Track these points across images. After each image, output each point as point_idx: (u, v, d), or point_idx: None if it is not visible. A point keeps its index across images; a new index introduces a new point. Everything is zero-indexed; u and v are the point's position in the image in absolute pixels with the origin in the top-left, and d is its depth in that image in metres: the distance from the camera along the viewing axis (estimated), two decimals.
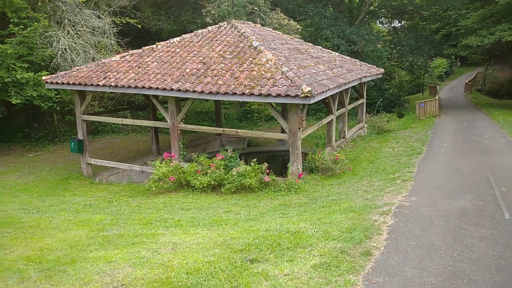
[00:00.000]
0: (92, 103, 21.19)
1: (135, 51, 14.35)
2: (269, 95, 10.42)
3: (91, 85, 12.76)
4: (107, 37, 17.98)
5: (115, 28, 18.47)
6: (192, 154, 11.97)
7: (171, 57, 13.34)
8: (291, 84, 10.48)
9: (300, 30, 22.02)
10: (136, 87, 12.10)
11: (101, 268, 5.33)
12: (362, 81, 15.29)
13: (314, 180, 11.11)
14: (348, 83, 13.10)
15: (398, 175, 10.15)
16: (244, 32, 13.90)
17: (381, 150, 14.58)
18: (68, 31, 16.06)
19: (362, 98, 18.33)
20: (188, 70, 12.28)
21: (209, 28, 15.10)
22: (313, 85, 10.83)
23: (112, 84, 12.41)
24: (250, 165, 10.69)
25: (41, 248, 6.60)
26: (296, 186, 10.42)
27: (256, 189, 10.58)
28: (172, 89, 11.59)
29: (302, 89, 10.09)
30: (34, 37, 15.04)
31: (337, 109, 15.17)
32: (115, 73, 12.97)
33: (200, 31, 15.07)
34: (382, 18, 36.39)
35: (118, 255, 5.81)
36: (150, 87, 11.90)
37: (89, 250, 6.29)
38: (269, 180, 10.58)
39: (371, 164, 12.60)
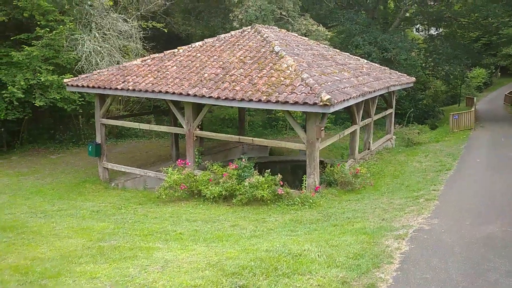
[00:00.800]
0: (118, 107, 21.36)
1: (157, 55, 14.19)
2: (286, 102, 9.92)
3: (110, 88, 12.63)
4: (134, 41, 18.00)
5: (142, 32, 18.48)
6: (206, 162, 11.59)
7: (191, 62, 13.06)
8: (310, 92, 9.93)
9: (329, 36, 21.37)
10: (153, 91, 11.87)
11: (82, 286, 4.97)
12: (390, 90, 14.52)
13: (331, 195, 10.47)
14: (374, 91, 12.40)
15: (423, 193, 9.37)
16: (267, 37, 13.46)
17: (407, 164, 13.73)
18: (94, 35, 16.11)
19: (390, 108, 17.48)
20: (206, 75, 11.95)
21: (232, 32, 14.77)
22: (334, 93, 10.24)
23: (130, 88, 12.24)
24: (263, 176, 10.18)
25: (34, 258, 6.34)
26: (311, 201, 9.83)
27: (268, 201, 10.06)
28: (188, 94, 11.27)
29: (321, 97, 9.52)
30: (60, 40, 15.15)
31: (363, 119, 14.48)
32: (135, 76, 12.81)
33: (223, 35, 14.76)
34: (418, 26, 35.15)
35: (105, 271, 5.44)
36: (166, 92, 11.63)
37: (79, 262, 5.96)
38: (282, 192, 10.04)
39: (395, 179, 11.82)
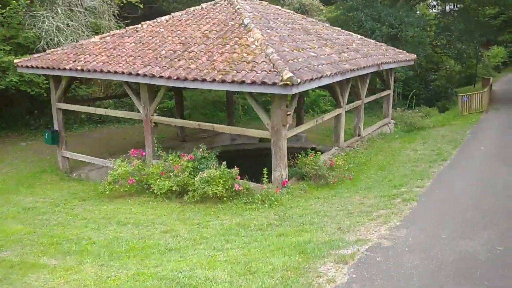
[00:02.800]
0: (98, 89, 20.01)
1: (118, 31, 12.70)
2: (243, 82, 8.35)
3: (59, 69, 11.22)
4: (107, 18, 16.51)
5: (116, 9, 16.98)
6: (161, 152, 10.14)
7: (152, 38, 11.53)
8: (272, 69, 8.33)
9: (324, 11, 19.47)
10: (101, 71, 10.42)
11: None
12: (382, 68, 12.73)
13: (300, 190, 8.93)
14: (358, 69, 10.68)
15: (403, 191, 7.77)
16: (239, 9, 11.80)
17: (400, 152, 12.04)
18: (57, 11, 14.66)
19: (388, 89, 15.66)
20: (164, 52, 10.42)
21: (203, 5, 13.13)
22: (302, 71, 8.61)
23: (79, 68, 10.80)
24: (219, 169, 8.69)
25: None
26: (272, 198, 8.31)
27: (225, 198, 8.59)
28: (138, 74, 9.78)
29: (282, 76, 7.93)
30: (16, 17, 13.74)
31: (352, 101, 12.81)
32: (88, 55, 11.35)
33: (192, 8, 13.16)
34: (430, 1, 32.68)
35: None
36: (115, 72, 10.17)
37: None
38: (240, 188, 8.54)
39: (380, 171, 10.20)
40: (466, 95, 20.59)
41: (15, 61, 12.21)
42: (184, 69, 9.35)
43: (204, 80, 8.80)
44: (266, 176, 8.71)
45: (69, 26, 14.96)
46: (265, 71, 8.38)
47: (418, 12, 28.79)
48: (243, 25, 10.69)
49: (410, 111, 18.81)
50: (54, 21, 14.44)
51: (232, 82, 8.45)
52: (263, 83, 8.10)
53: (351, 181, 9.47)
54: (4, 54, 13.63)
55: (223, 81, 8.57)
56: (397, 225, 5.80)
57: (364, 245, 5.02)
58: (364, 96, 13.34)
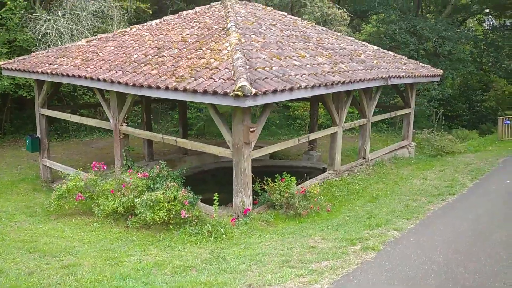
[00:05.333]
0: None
1: (105, 34, 11.99)
2: (195, 91, 7.17)
3: (32, 72, 10.64)
4: (115, 23, 16.03)
5: (125, 14, 16.50)
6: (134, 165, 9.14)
7: (134, 41, 10.71)
8: (231, 77, 7.10)
9: (347, 21, 17.97)
10: (67, 75, 9.65)
11: None
12: (391, 83, 11.07)
13: (262, 222, 7.56)
14: (351, 82, 9.15)
15: (376, 233, 6.19)
16: (229, 12, 10.70)
17: (405, 181, 10.31)
18: (57, 14, 14.30)
19: (408, 107, 13.86)
20: (136, 56, 9.52)
21: (197, 8, 12.17)
22: (267, 81, 7.31)
23: (49, 71, 10.13)
24: (167, 190, 7.50)
25: None
26: (222, 230, 7.00)
27: (171, 226, 7.39)
28: (98, 79, 8.91)
29: (236, 85, 6.67)
30: (14, 18, 13.48)
31: (361, 118, 11.24)
32: (65, 58, 10.69)
33: (186, 12, 12.23)
34: (479, 16, 30.02)
35: None
36: (79, 76, 9.36)
37: None
38: (186, 216, 7.28)
39: (369, 203, 8.58)
40: (509, 118, 18.16)
41: (0, 63, 11.80)
42: (144, 75, 8.34)
43: (158, 88, 7.74)
44: (217, 203, 7.40)
45: (72, 31, 14.55)
46: (223, 79, 7.17)
47: (462, 26, 26.35)
48: (225, 30, 9.57)
49: (438, 133, 16.73)
50: (55, 24, 14.06)
51: (184, 90, 7.31)
52: (215, 93, 6.88)
53: (328, 214, 7.96)
54: (1, 56, 13.36)
55: (175, 89, 7.45)
56: None
57: None
58: (371, 114, 11.71)
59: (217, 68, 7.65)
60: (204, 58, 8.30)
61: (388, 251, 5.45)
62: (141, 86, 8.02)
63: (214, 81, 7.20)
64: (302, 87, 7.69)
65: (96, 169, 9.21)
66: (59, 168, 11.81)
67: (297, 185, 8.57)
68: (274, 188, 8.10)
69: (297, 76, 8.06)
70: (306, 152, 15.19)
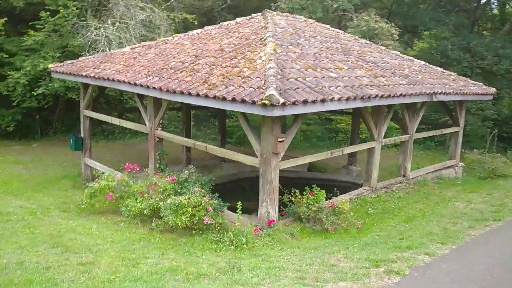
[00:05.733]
0: None
1: (148, 42, 12.35)
2: (224, 99, 7.12)
3: (77, 75, 11.10)
4: (161, 32, 16.51)
5: (172, 24, 16.98)
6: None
7: (174, 49, 10.92)
8: (261, 86, 7.00)
9: (395, 36, 17.43)
10: (108, 79, 9.98)
11: None
12: (436, 99, 10.52)
13: (287, 235, 7.33)
14: (391, 96, 8.76)
15: (405, 256, 5.80)
16: (268, 23, 10.66)
17: (448, 203, 9.69)
18: (112, 23, 14.93)
19: (456, 126, 13.11)
20: (173, 63, 9.67)
21: (238, 19, 12.25)
22: (299, 91, 7.13)
23: (91, 75, 10.53)
24: (192, 196, 7.47)
25: None
26: (244, 240, 6.85)
27: (194, 231, 7.34)
28: (135, 84, 9.12)
29: (265, 94, 6.56)
30: (66, 25, 14.21)
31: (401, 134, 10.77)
32: (109, 64, 11.08)
33: (226, 22, 12.36)
34: None
35: None
36: (118, 80, 9.64)
37: None
38: (208, 222, 7.19)
39: (405, 223, 8.11)
40: None
41: (49, 66, 12.44)
42: (179, 81, 8.43)
43: (190, 94, 7.77)
44: (240, 211, 7.25)
45: (120, 38, 15.12)
46: (253, 87, 7.07)
47: None
48: (262, 40, 9.51)
49: (490, 155, 15.67)
50: (104, 32, 14.67)
51: (214, 97, 7.29)
52: (243, 101, 6.79)
53: (358, 232, 7.59)
54: (52, 61, 14.08)
55: (206, 96, 7.45)
56: None
57: None
58: (413, 130, 11.17)
59: (248, 77, 7.58)
60: (238, 67, 8.26)
61: (415, 277, 5.06)
62: (174, 92, 8.11)
63: (244, 90, 7.12)
64: (336, 99, 7.44)
65: (129, 170, 9.40)
66: (98, 167, 12.18)
67: (329, 199, 8.30)
68: (302, 201, 7.84)
69: (331, 88, 7.82)
70: (345, 166, 14.75)
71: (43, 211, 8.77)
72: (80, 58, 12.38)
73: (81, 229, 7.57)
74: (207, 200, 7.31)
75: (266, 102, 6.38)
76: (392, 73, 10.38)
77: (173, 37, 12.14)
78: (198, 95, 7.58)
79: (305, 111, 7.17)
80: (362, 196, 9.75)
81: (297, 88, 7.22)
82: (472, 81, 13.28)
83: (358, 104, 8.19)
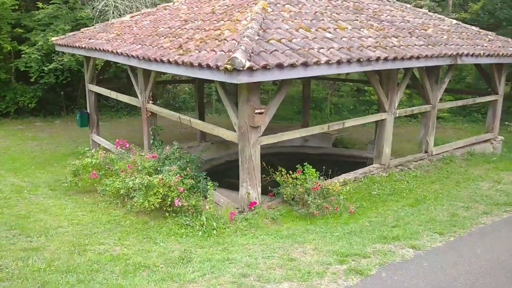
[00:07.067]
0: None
1: (149, 9, 11.65)
2: (191, 65, 6.31)
3: (71, 46, 10.67)
4: None
5: None
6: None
7: (169, 15, 10.18)
8: (232, 49, 6.09)
9: None
10: (97, 49, 9.43)
11: None
12: (462, 62, 9.04)
13: (265, 219, 6.51)
14: (397, 59, 7.50)
15: (382, 249, 4.83)
16: None
17: (469, 183, 8.39)
18: None
19: (495, 94, 11.46)
20: (162, 29, 8.93)
21: None
22: (277, 54, 6.15)
23: (83, 46, 10.03)
24: (166, 175, 6.81)
25: None
26: (214, 224, 6.13)
27: (167, 214, 6.71)
28: (117, 53, 8.48)
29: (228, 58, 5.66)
30: None
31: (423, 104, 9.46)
32: (104, 33, 10.54)
33: None
34: None
35: None
36: (103, 50, 9.06)
37: None
38: (180, 204, 6.52)
39: (408, 207, 7.01)
40: None
41: (52, 39, 12.11)
42: (158, 48, 7.68)
43: (162, 62, 7.01)
44: (213, 190, 6.50)
45: (131, 8, 14.55)
46: (223, 51, 6.18)
47: None
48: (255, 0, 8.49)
49: None
50: (114, 1, 14.14)
51: (182, 63, 6.48)
52: (208, 67, 5.94)
53: (349, 216, 6.61)
54: (63, 34, 13.77)
55: (176, 63, 6.65)
56: None
57: None
58: (436, 99, 9.79)
59: (225, 39, 6.67)
60: (220, 29, 7.35)
61: (381, 278, 4.10)
62: (150, 60, 7.38)
63: (215, 54, 6.25)
64: (322, 62, 6.38)
65: (119, 146, 8.91)
66: (104, 144, 11.87)
67: (331, 178, 7.39)
68: (288, 181, 6.95)
69: (321, 50, 6.74)
70: (372, 142, 13.51)
71: (30, 190, 8.51)
72: (82, 29, 11.93)
73: (54, 210, 7.18)
74: (177, 180, 6.62)
75: (228, 66, 5.49)
76: (409, 33, 9.01)
77: (174, 2, 11.35)
78: (169, 62, 6.81)
79: (282, 77, 6.18)
80: (369, 175, 8.66)
81: (275, 50, 6.23)
82: None
83: (355, 68, 7.05)
